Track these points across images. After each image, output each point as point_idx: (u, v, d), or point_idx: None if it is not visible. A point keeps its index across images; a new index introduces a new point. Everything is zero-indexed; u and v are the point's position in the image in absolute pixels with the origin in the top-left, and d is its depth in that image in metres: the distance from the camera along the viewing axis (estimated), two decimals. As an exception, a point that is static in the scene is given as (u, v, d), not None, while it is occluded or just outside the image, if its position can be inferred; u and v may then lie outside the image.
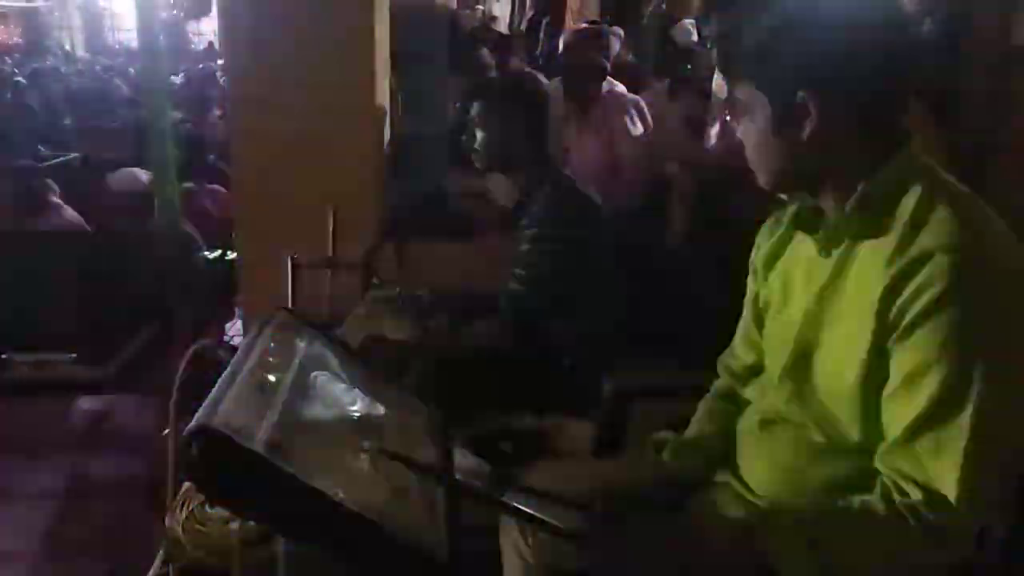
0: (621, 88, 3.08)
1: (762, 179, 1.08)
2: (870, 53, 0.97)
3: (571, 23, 5.12)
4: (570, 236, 2.03)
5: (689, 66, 3.46)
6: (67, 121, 6.86)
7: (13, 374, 3.03)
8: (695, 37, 3.45)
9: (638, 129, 3.02)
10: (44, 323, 3.10)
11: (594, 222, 2.09)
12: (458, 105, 2.12)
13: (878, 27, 0.98)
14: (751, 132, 1.05)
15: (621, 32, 3.70)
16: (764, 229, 1.25)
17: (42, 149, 5.45)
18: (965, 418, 0.90)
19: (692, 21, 3.62)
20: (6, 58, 14.60)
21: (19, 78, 10.89)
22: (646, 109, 3.13)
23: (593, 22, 5.27)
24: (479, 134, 2.12)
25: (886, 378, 0.97)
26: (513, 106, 2.10)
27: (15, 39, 17.01)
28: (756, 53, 1.01)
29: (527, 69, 3.72)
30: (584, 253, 2.08)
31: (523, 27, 6.14)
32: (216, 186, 4.61)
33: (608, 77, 3.15)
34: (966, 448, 0.90)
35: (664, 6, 4.96)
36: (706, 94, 2.97)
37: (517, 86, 2.20)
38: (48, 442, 2.58)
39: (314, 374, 1.26)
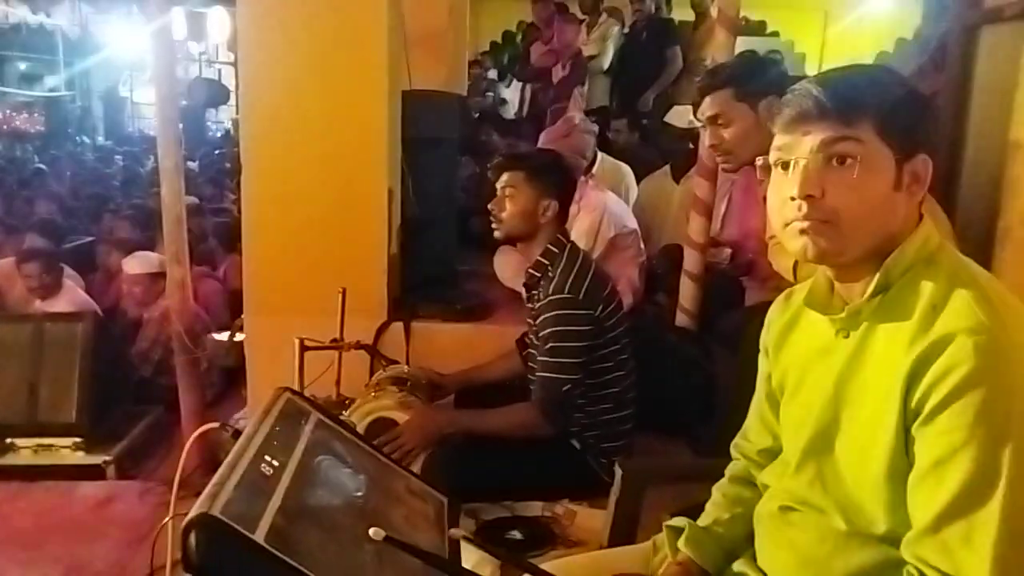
0: (595, 193, 3.12)
1: (856, 239, 0.97)
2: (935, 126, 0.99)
3: (579, 108, 5.24)
4: (588, 316, 2.02)
5: (691, 146, 3.54)
6: (84, 206, 7.02)
7: (13, 459, 2.98)
8: (693, 120, 3.54)
9: (607, 232, 3.05)
10: (47, 406, 3.06)
11: (608, 299, 2.08)
12: (481, 170, 2.14)
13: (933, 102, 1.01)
14: (867, 179, 0.96)
15: (595, 128, 3.79)
16: (774, 308, 1.23)
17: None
18: (995, 504, 0.87)
19: (687, 107, 3.72)
20: (27, 145, 15.06)
21: (40, 164, 11.20)
22: (617, 211, 3.14)
23: (600, 108, 5.43)
24: (508, 203, 2.13)
25: (912, 464, 0.94)
26: (548, 180, 2.12)
27: (37, 127, 17.57)
28: (886, 100, 0.97)
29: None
30: (602, 333, 2.07)
31: (526, 113, 6.32)
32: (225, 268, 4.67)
33: (591, 175, 3.19)
34: (997, 536, 0.86)
35: (670, 90, 5.11)
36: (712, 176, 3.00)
37: (556, 163, 2.22)
38: (47, 530, 2.51)
39: (319, 458, 1.23)
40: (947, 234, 1.79)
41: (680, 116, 3.64)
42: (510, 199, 2.12)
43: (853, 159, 0.96)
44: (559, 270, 2.06)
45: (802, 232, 0.99)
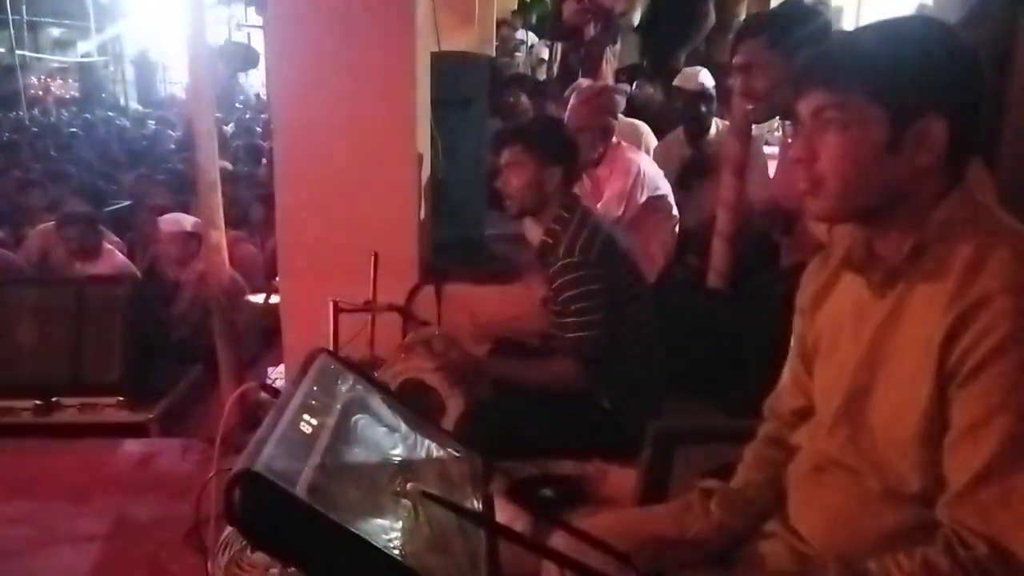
0: (628, 155, 3.08)
1: (845, 200, 1.00)
2: (983, 83, 0.98)
3: (611, 68, 5.16)
4: (600, 275, 2.03)
5: (704, 109, 3.52)
6: (119, 169, 7.12)
7: (59, 417, 3.08)
8: (706, 82, 3.51)
9: (639, 195, 3.02)
10: (90, 366, 3.15)
11: (619, 259, 2.08)
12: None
13: (980, 57, 0.98)
14: (851, 144, 0.97)
15: (627, 88, 3.73)
16: (810, 268, 1.22)
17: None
18: None
19: (697, 69, 3.68)
20: (62, 111, 15.25)
21: (74, 128, 11.34)
22: (651, 172, 3.11)
23: (631, 67, 5.34)
24: (513, 178, 2.13)
25: (947, 425, 0.93)
26: (548, 148, 2.12)
27: (71, 93, 17.76)
28: (878, 64, 0.97)
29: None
30: (617, 291, 2.08)
31: (556, 73, 6.25)
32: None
33: (621, 141, 3.16)
34: None
35: (703, 48, 5.01)
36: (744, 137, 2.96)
37: (552, 129, 2.21)
38: (93, 485, 2.60)
39: (356, 417, 1.26)
40: (991, 195, 1.75)
41: (689, 79, 3.59)
42: (514, 173, 2.12)
43: (837, 124, 0.98)
44: (569, 234, 2.07)
45: (804, 193, 1.04)
